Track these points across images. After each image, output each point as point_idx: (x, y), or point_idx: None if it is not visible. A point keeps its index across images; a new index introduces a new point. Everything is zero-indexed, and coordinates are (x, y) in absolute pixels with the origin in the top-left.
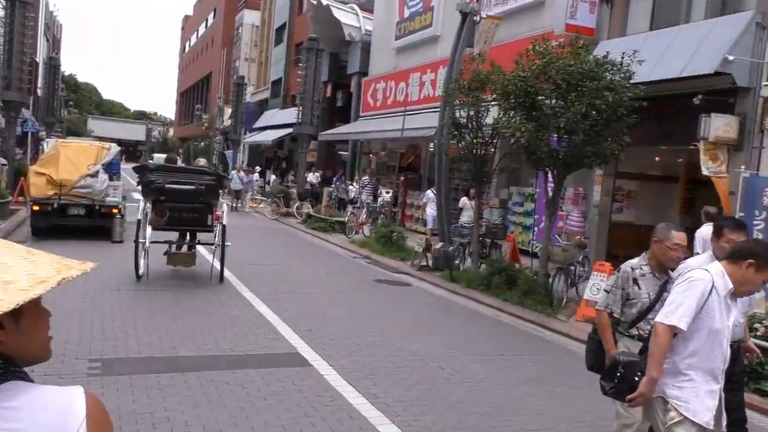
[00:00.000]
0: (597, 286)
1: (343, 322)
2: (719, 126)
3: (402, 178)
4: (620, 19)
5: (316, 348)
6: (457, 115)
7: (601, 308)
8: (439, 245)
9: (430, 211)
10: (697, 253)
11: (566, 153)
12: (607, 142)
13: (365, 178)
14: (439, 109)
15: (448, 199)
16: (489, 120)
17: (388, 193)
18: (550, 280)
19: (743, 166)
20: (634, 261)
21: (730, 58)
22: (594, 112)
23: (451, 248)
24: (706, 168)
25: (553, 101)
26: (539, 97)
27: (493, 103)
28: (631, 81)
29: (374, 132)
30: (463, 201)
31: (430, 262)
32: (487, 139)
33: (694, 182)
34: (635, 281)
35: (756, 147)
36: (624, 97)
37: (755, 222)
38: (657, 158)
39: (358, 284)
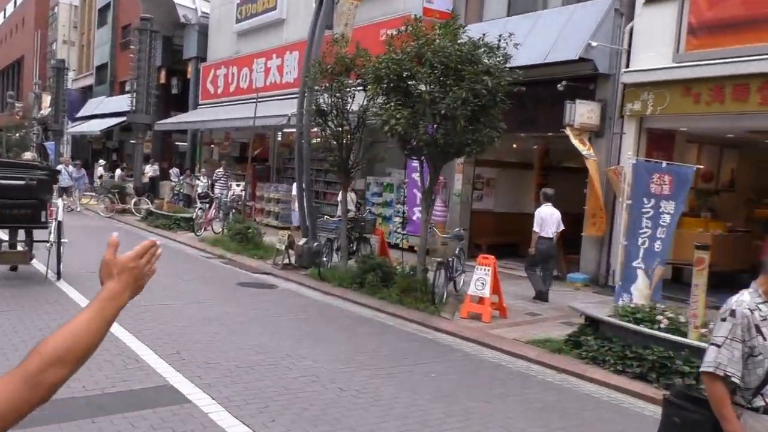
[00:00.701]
0: (482, 281)
1: (216, 339)
2: (583, 112)
3: (251, 170)
4: (477, 4)
5: (191, 376)
6: (320, 101)
7: (710, 369)
8: (302, 241)
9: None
10: (535, 231)
11: (446, 141)
12: (486, 129)
13: (219, 171)
14: (290, 96)
15: (310, 192)
16: (355, 107)
17: (239, 185)
18: (430, 275)
19: (629, 153)
20: (746, 298)
21: (593, 44)
22: (474, 98)
23: (316, 244)
24: (582, 151)
25: (431, 86)
26: (414, 82)
27: (359, 88)
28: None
29: (219, 120)
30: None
31: (293, 260)
32: (353, 126)
33: (548, 168)
34: (758, 329)
35: (617, 133)
36: (503, 82)
37: (644, 210)
38: (514, 145)
39: (221, 290)
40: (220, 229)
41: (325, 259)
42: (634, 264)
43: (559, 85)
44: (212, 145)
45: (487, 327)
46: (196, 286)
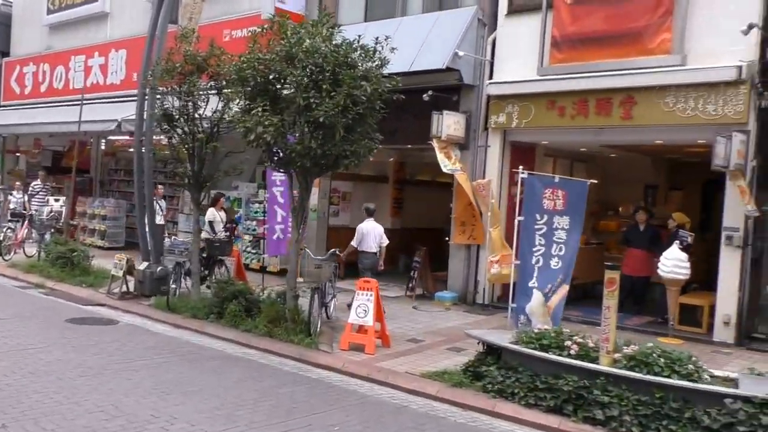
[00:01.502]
0: (364, 308)
1: (53, 401)
2: (450, 124)
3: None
4: (331, 7)
5: None
6: (166, 104)
7: None
8: (143, 266)
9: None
10: (351, 245)
11: (323, 152)
12: (364, 140)
13: (37, 183)
14: (118, 99)
15: (152, 209)
16: (208, 112)
17: (57, 200)
18: (301, 302)
19: (521, 167)
20: None
21: (460, 53)
22: (353, 105)
23: (160, 269)
24: (444, 166)
25: (305, 91)
26: (285, 86)
27: (213, 91)
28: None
29: (34, 125)
30: (211, 212)
31: (132, 288)
32: (205, 134)
33: (402, 182)
34: None
35: (481, 146)
36: (381, 89)
37: (537, 226)
38: (371, 158)
39: (47, 329)
40: (35, 252)
41: (173, 285)
42: (530, 284)
43: (425, 95)
44: (18, 154)
45: (373, 359)
46: (13, 326)
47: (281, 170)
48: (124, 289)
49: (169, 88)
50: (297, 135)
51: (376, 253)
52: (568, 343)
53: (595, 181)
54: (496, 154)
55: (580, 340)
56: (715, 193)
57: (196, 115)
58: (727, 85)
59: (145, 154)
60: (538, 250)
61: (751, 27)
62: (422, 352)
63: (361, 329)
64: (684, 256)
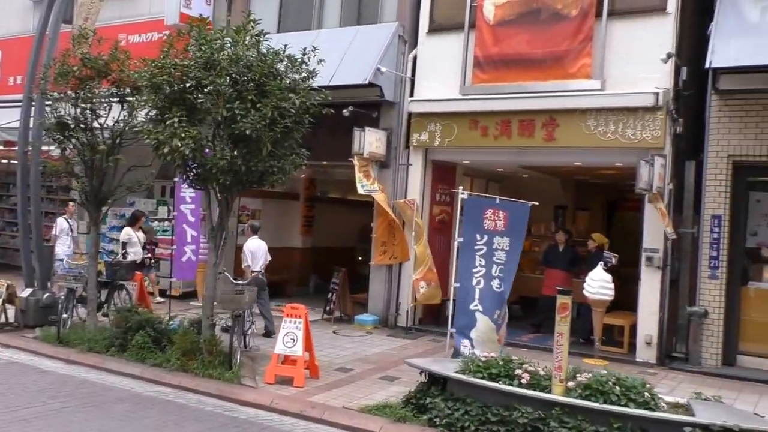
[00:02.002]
0: (292, 336)
1: None
2: (372, 141)
3: None
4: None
5: None
6: (61, 111)
7: None
8: (26, 293)
9: (63, 248)
10: (247, 266)
11: (248, 168)
12: (292, 155)
13: None
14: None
15: (39, 227)
16: (109, 121)
17: None
18: (221, 332)
19: (460, 187)
20: None
21: (383, 69)
22: (280, 118)
23: (47, 296)
24: (362, 186)
25: (229, 101)
26: (204, 95)
27: (115, 99)
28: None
29: None
30: (127, 232)
31: (11, 318)
32: (107, 146)
33: (313, 199)
34: None
35: (403, 164)
36: (310, 102)
37: (477, 246)
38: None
39: None
40: None
41: (65, 315)
42: (471, 307)
43: (345, 111)
44: None
45: (304, 393)
46: None
47: (197, 187)
48: (2, 319)
49: (63, 94)
50: (218, 149)
51: (261, 271)
52: (518, 371)
53: (536, 203)
54: (418, 173)
55: (531, 369)
56: (615, 214)
57: (96, 125)
58: (645, 111)
59: (32, 167)
60: (479, 271)
61: (669, 56)
62: (354, 382)
63: (287, 359)
64: (609, 276)
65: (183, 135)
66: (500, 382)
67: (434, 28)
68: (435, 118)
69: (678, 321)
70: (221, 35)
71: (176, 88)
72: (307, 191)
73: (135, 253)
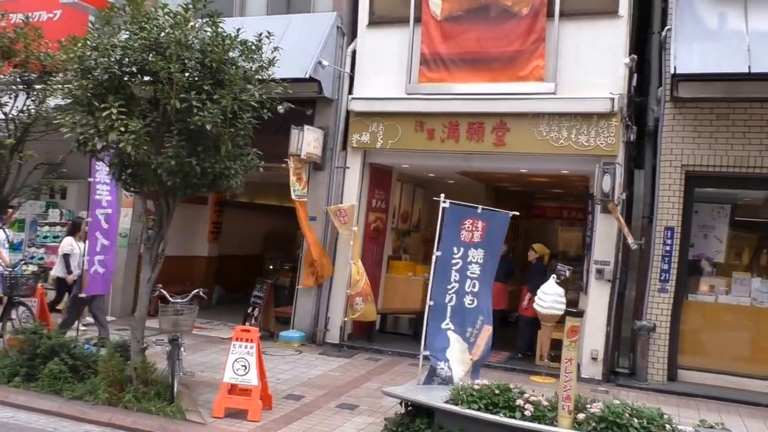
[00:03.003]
0: (244, 363)
1: None
2: (310, 141)
3: None
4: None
5: None
6: None
7: None
8: None
9: None
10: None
11: (202, 169)
12: (249, 156)
13: None
14: None
15: None
16: (14, 111)
17: None
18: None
19: (442, 195)
20: None
21: (324, 63)
22: (240, 113)
23: None
24: (294, 191)
25: (188, 93)
26: (148, 83)
27: (22, 86)
28: None
29: None
30: (69, 242)
31: None
32: (14, 139)
33: (222, 204)
34: None
35: (339, 167)
36: (271, 94)
37: (453, 260)
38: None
39: None
40: None
41: None
42: (443, 326)
43: (279, 107)
44: None
45: (262, 429)
46: None
47: (132, 189)
48: None
49: None
50: (167, 146)
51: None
52: (519, 401)
53: (517, 213)
54: (356, 177)
55: (534, 398)
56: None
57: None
58: (599, 117)
59: None
60: (452, 288)
61: (633, 60)
62: (312, 413)
63: (235, 389)
64: (561, 290)
65: (122, 129)
66: (500, 415)
67: (375, 21)
68: (377, 117)
69: (621, 335)
70: (164, 13)
71: (116, 72)
72: (216, 195)
73: (74, 268)
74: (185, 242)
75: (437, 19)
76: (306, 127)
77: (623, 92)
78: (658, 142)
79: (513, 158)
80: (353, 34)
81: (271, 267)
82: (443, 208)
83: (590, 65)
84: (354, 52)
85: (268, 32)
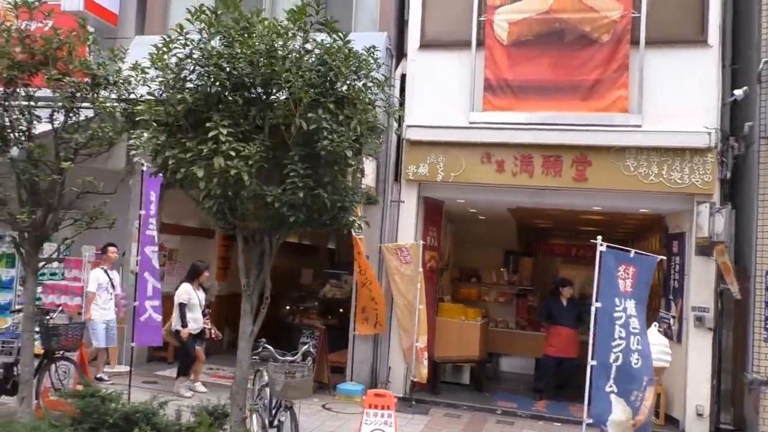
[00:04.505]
0: None
1: None
2: (369, 173)
3: None
4: (160, 14)
5: None
6: None
7: None
8: None
9: (101, 312)
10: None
11: (332, 202)
12: (355, 190)
13: None
14: None
15: None
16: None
17: None
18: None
19: (599, 237)
20: None
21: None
22: (366, 137)
23: None
24: (355, 230)
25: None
26: (258, 97)
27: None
28: None
29: None
30: (186, 290)
31: None
32: (66, 159)
33: (229, 238)
34: None
35: (395, 201)
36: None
37: (616, 313)
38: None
39: None
40: None
41: None
42: (607, 389)
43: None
44: None
45: None
46: None
47: (224, 227)
48: None
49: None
50: (291, 174)
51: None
52: None
53: (664, 258)
54: (411, 212)
55: None
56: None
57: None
58: (693, 152)
59: None
60: (618, 345)
61: (745, 93)
62: None
63: None
64: (666, 340)
65: (232, 153)
66: None
67: (427, 43)
68: (437, 147)
69: (722, 387)
70: (265, 25)
71: (225, 85)
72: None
73: (195, 320)
74: None
75: (503, 44)
76: (364, 156)
77: (717, 126)
78: (754, 180)
79: (593, 195)
80: (399, 56)
81: (288, 308)
82: (600, 253)
83: (678, 97)
84: (403, 76)
85: (374, 46)
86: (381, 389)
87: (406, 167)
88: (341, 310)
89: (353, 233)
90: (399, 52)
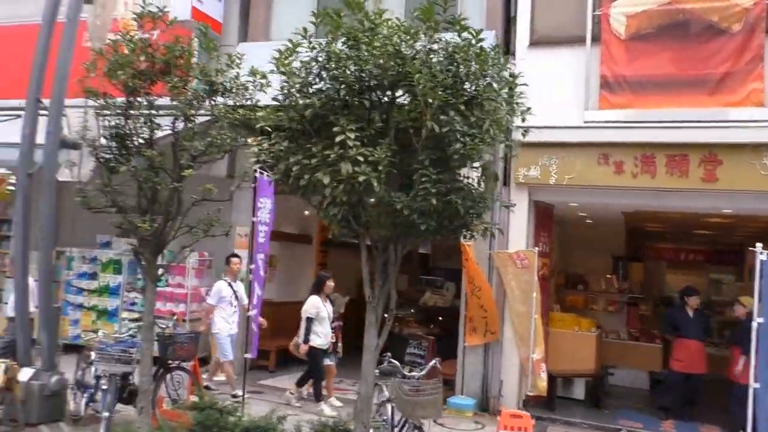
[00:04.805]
0: None
1: None
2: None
3: None
4: (263, 20)
5: None
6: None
7: None
8: (27, 375)
9: (224, 324)
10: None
11: (466, 209)
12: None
13: None
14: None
15: (48, 278)
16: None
17: None
18: None
19: (759, 245)
20: None
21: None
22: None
23: (56, 379)
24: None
25: (447, 113)
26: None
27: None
28: None
29: None
30: (314, 303)
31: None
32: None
33: (326, 243)
34: None
35: (504, 205)
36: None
37: None
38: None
39: None
40: None
41: (105, 413)
42: None
43: None
44: None
45: None
46: None
47: (352, 236)
48: None
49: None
50: (423, 180)
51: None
52: None
53: None
54: (522, 217)
55: None
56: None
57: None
58: None
59: (45, 197)
60: None
61: None
62: None
63: None
64: None
65: (360, 159)
66: None
67: (537, 41)
68: (549, 149)
69: None
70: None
71: (354, 87)
72: (321, 233)
73: (323, 334)
74: (290, 286)
75: (620, 38)
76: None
77: None
78: None
79: (724, 196)
80: (507, 54)
81: (385, 315)
82: (761, 262)
83: None
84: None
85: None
86: (495, 405)
87: (516, 170)
88: (440, 318)
89: (462, 240)
90: (507, 50)
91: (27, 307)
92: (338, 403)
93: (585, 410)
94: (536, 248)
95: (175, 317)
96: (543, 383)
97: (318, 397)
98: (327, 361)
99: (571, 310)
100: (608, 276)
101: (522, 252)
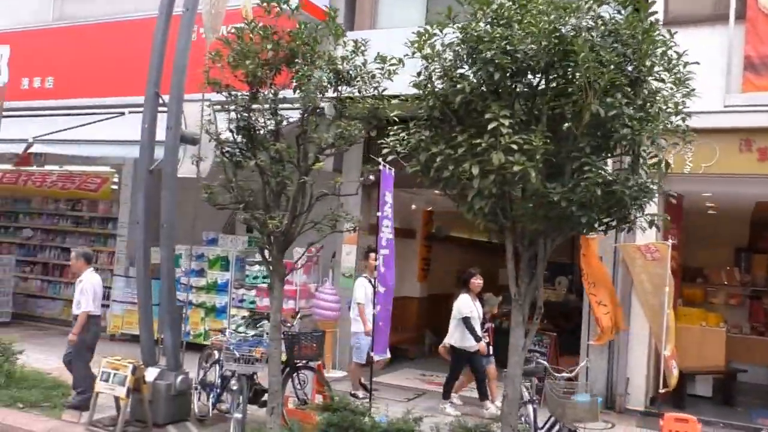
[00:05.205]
0: None
1: None
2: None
3: None
4: (369, 8)
5: None
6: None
7: None
8: (153, 374)
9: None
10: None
11: (633, 198)
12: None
13: None
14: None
15: (171, 276)
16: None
17: None
18: None
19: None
20: None
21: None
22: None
23: (182, 378)
24: None
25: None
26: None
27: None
28: None
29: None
30: (466, 302)
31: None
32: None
33: (430, 238)
34: None
35: None
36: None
37: None
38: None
39: None
40: None
41: (237, 415)
42: None
43: None
44: None
45: None
46: None
47: (498, 231)
48: (126, 415)
49: (231, 92)
50: (586, 169)
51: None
52: None
53: None
54: (652, 208)
55: None
56: None
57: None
58: None
59: (166, 194)
60: None
61: None
62: None
63: None
64: None
65: (514, 147)
66: None
67: (673, 20)
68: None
69: None
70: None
71: (508, 70)
72: (425, 228)
73: (474, 337)
74: (399, 283)
75: None
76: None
77: None
78: None
79: None
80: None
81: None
82: None
83: None
84: None
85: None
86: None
87: (648, 158)
88: (557, 313)
89: (583, 233)
90: None
91: (150, 305)
92: (459, 402)
93: (715, 408)
94: (670, 241)
95: (299, 314)
96: (674, 380)
97: (483, 396)
98: (484, 364)
99: (689, 304)
100: (728, 268)
101: (653, 244)
